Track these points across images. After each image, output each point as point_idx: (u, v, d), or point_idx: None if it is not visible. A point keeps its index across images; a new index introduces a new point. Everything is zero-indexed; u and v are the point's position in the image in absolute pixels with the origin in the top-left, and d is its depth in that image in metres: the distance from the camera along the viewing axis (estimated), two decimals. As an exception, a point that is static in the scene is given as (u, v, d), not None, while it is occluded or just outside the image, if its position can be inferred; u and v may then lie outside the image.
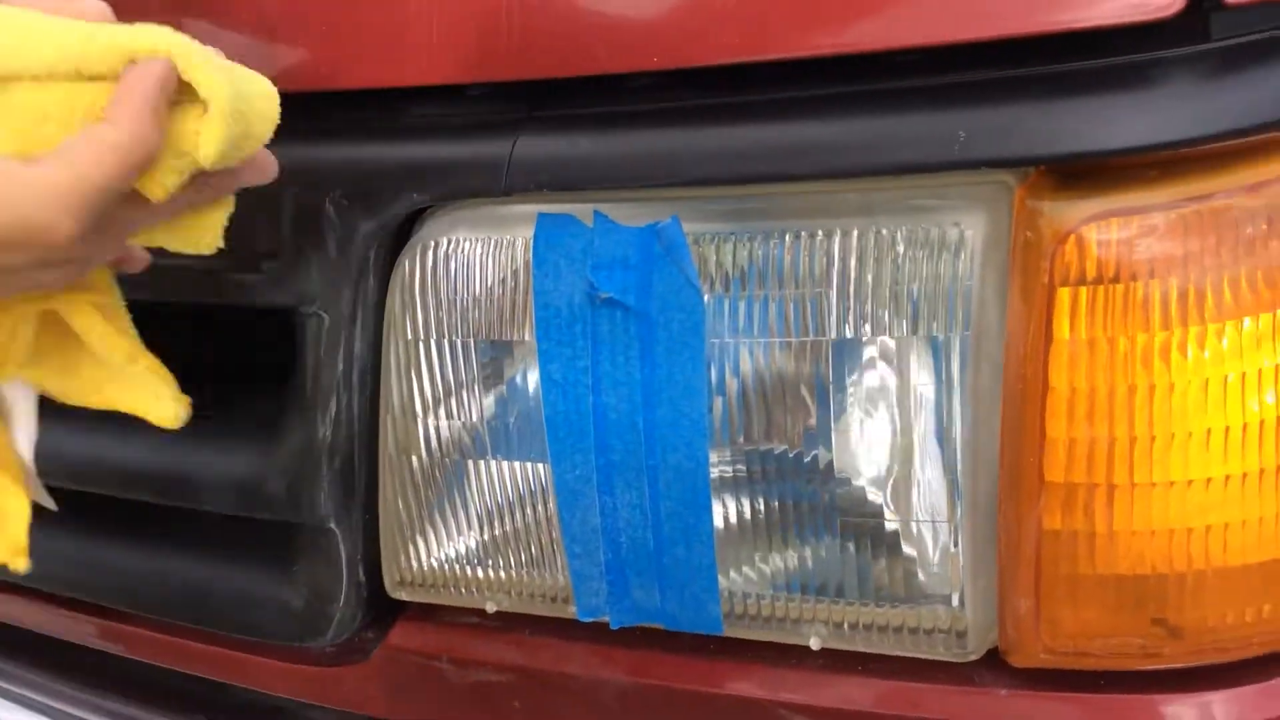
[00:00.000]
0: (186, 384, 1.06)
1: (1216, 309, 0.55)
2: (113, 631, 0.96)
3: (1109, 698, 0.63)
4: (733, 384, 0.66)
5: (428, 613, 0.83)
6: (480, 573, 0.79)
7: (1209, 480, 0.57)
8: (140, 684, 0.99)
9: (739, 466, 0.68)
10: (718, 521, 0.69)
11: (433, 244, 0.72)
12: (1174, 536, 0.59)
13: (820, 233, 0.62)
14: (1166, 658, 0.62)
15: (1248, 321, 0.55)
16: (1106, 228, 0.55)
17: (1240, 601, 0.60)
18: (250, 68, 0.63)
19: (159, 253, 0.81)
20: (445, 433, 0.76)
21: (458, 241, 0.71)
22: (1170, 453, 0.57)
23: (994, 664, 0.67)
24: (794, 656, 0.71)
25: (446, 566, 0.80)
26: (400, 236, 0.74)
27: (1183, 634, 0.61)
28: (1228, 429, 0.57)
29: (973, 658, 0.67)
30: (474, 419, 0.75)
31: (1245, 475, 0.57)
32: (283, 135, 0.75)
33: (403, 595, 0.82)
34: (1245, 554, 0.59)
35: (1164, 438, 0.57)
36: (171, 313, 1.04)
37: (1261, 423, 0.57)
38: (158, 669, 0.95)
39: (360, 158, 0.72)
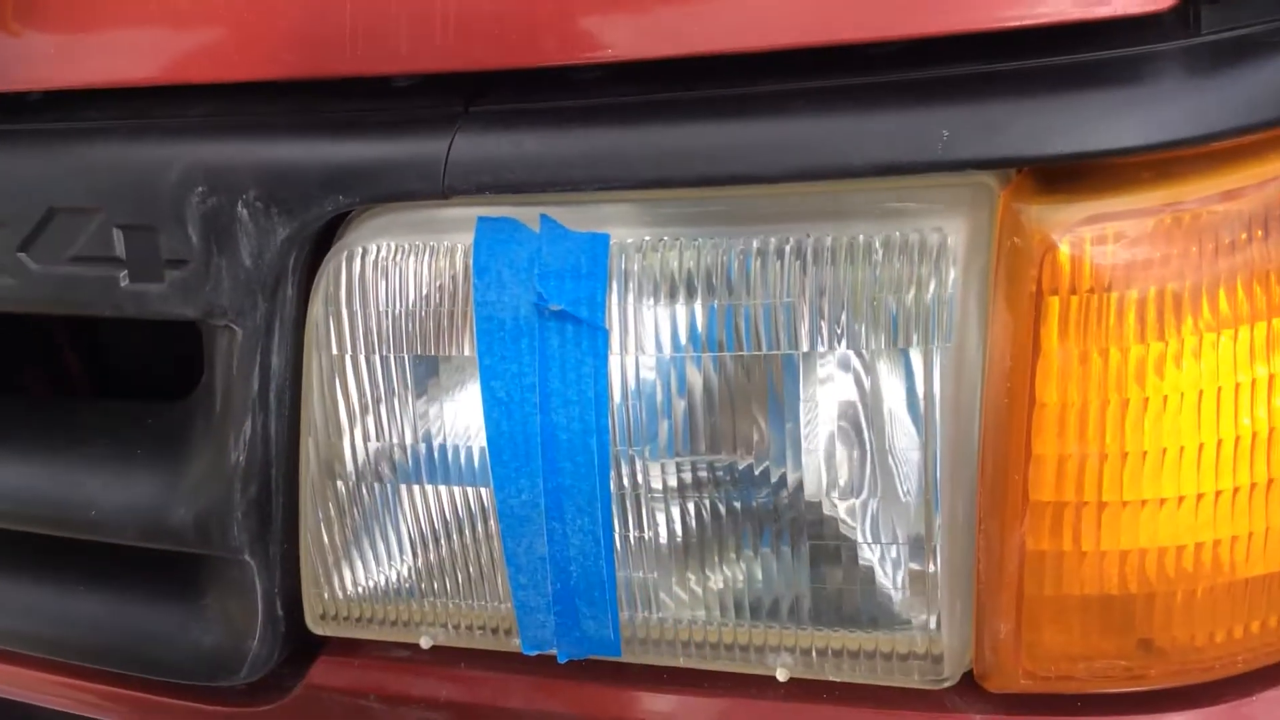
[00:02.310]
0: (75, 400, 0.98)
1: (1213, 318, 0.53)
2: (4, 675, 0.88)
3: (1088, 721, 0.61)
4: (694, 398, 0.62)
5: (353, 648, 0.77)
6: (413, 605, 0.73)
7: (1200, 496, 0.55)
8: (29, 729, 0.91)
9: (701, 486, 0.63)
10: (675, 544, 0.65)
11: (360, 250, 0.66)
12: (1163, 555, 0.56)
13: (791, 238, 0.58)
14: (1151, 679, 0.59)
15: (1243, 331, 0.53)
16: (1100, 233, 0.52)
17: (1228, 619, 0.58)
18: (155, 54, 0.56)
19: (48, 259, 0.73)
20: (373, 455, 0.70)
21: (387, 248, 0.65)
22: (1162, 469, 0.54)
23: (969, 690, 0.64)
24: (755, 686, 0.67)
25: (375, 599, 0.74)
26: (321, 242, 0.68)
27: (1169, 654, 0.58)
28: (1220, 443, 0.54)
29: (948, 684, 0.63)
30: (405, 440, 0.69)
31: (1236, 489, 0.55)
32: (190, 129, 0.69)
33: (325, 630, 0.76)
34: (1234, 570, 0.57)
35: (1155, 453, 0.54)
36: (58, 324, 0.97)
37: (1254, 436, 0.54)
38: (55, 713, 0.87)
39: (278, 157, 0.66)
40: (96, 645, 0.83)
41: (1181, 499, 0.55)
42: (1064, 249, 0.53)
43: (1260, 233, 0.52)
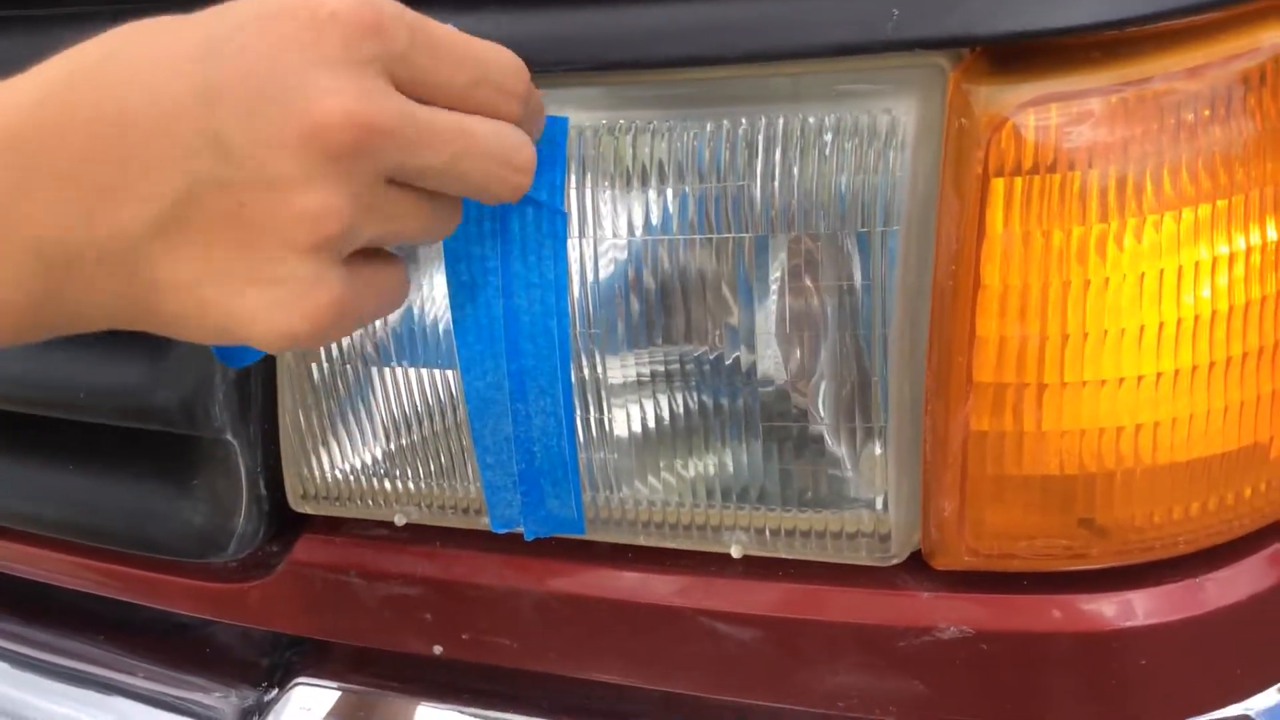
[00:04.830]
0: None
1: (1156, 200, 0.53)
2: (10, 552, 0.91)
3: (1032, 598, 0.63)
4: (651, 282, 0.63)
5: (334, 526, 0.80)
6: (388, 484, 0.75)
7: (1140, 378, 0.56)
8: (36, 604, 0.95)
9: (658, 369, 0.65)
10: (635, 427, 0.66)
11: (327, 134, 0.66)
12: (1103, 435, 0.57)
13: (744, 121, 0.58)
14: (1093, 558, 0.61)
15: (1187, 213, 0.53)
16: (1044, 113, 0.52)
17: (1168, 500, 0.59)
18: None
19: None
20: (346, 339, 0.71)
21: (354, 132, 0.66)
22: (1103, 350, 0.55)
23: (916, 567, 0.65)
24: (714, 564, 0.69)
25: (352, 478, 0.76)
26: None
27: (1109, 534, 0.60)
28: (1162, 325, 0.55)
29: (895, 561, 0.65)
30: (377, 324, 0.70)
31: (1178, 372, 0.56)
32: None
33: (307, 508, 0.78)
34: (1174, 452, 0.58)
35: (1097, 335, 0.55)
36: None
37: (1196, 318, 0.55)
38: (53, 588, 0.91)
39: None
40: (95, 524, 0.87)
41: (1122, 380, 0.56)
42: (1009, 130, 0.53)
43: (1207, 113, 0.52)
